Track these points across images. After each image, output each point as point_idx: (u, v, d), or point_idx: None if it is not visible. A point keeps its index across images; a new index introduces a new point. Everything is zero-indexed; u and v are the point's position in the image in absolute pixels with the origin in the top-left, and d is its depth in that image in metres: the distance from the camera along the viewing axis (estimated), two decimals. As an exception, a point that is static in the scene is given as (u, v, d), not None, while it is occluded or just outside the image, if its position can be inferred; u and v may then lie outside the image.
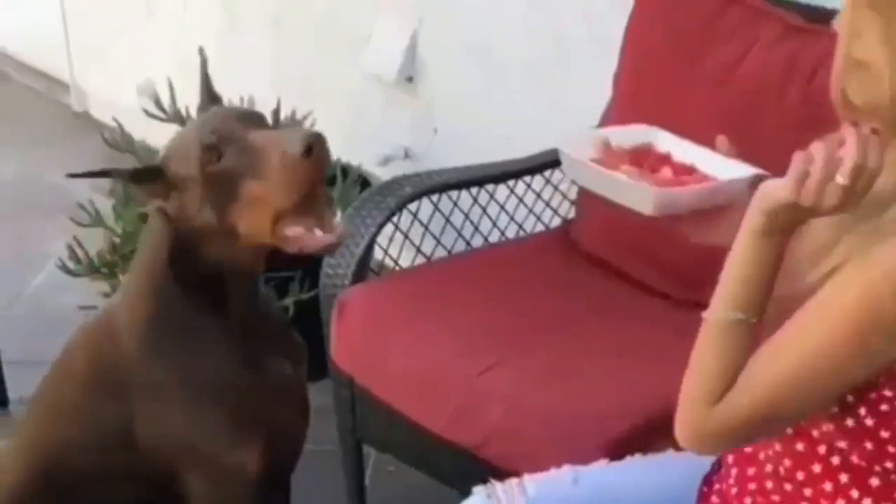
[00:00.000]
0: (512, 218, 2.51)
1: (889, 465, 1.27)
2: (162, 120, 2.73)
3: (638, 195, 1.37)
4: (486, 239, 2.50)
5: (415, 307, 2.12)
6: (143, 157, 2.70)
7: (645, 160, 1.43)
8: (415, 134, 3.07)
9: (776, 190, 1.21)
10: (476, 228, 2.47)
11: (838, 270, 1.20)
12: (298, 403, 1.88)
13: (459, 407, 1.94)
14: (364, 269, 2.21)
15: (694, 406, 1.28)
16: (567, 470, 1.57)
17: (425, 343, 2.04)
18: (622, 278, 2.23)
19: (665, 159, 1.45)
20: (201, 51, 1.82)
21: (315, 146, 1.60)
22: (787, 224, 1.23)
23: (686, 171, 1.43)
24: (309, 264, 2.33)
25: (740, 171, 1.40)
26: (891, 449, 1.26)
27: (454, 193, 2.38)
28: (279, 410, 1.81)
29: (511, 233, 2.51)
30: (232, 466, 1.75)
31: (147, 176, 1.72)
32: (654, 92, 2.23)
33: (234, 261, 1.72)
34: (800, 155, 1.19)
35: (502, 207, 2.48)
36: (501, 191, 2.43)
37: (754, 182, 1.37)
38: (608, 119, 2.31)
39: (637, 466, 1.60)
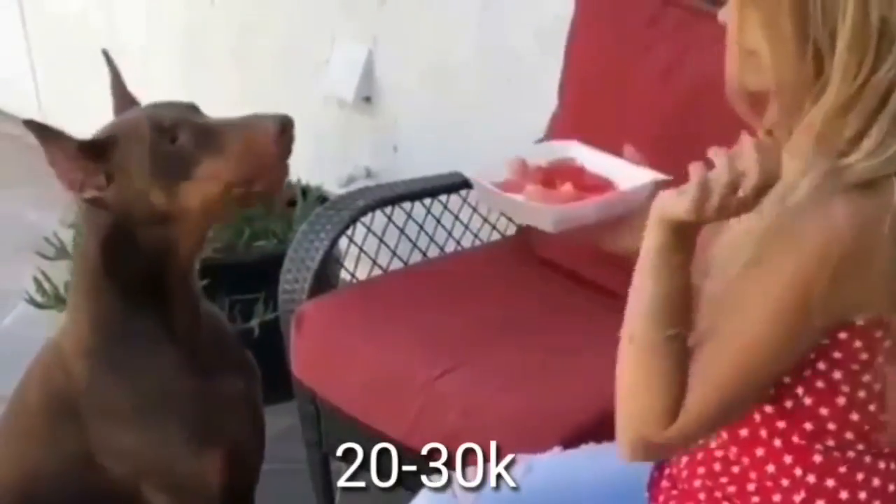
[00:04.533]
0: (467, 227, 2.53)
1: (830, 443, 1.29)
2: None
3: (538, 215, 1.41)
4: (441, 249, 2.52)
5: (371, 317, 2.14)
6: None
7: (558, 177, 1.46)
8: (375, 153, 3.11)
9: (676, 208, 1.20)
10: (431, 239, 2.49)
11: (758, 261, 1.21)
12: (253, 417, 1.87)
13: (419, 412, 1.96)
14: (321, 283, 2.23)
15: (645, 424, 1.27)
16: (520, 459, 1.58)
17: (383, 352, 2.06)
18: (576, 281, 2.26)
19: (577, 174, 1.47)
20: (105, 53, 1.81)
21: (287, 127, 1.70)
22: (693, 235, 1.24)
23: (597, 185, 1.47)
24: (273, 285, 2.35)
25: (641, 178, 1.44)
26: (831, 426, 1.28)
27: (407, 205, 2.40)
28: (234, 423, 1.80)
29: (466, 242, 2.54)
30: (194, 479, 1.75)
31: (95, 150, 1.65)
32: (596, 98, 2.27)
33: (172, 247, 1.70)
34: (698, 169, 1.18)
35: (457, 217, 2.51)
36: (455, 201, 2.45)
37: (656, 187, 1.41)
38: (554, 128, 2.35)
39: (590, 454, 1.61)
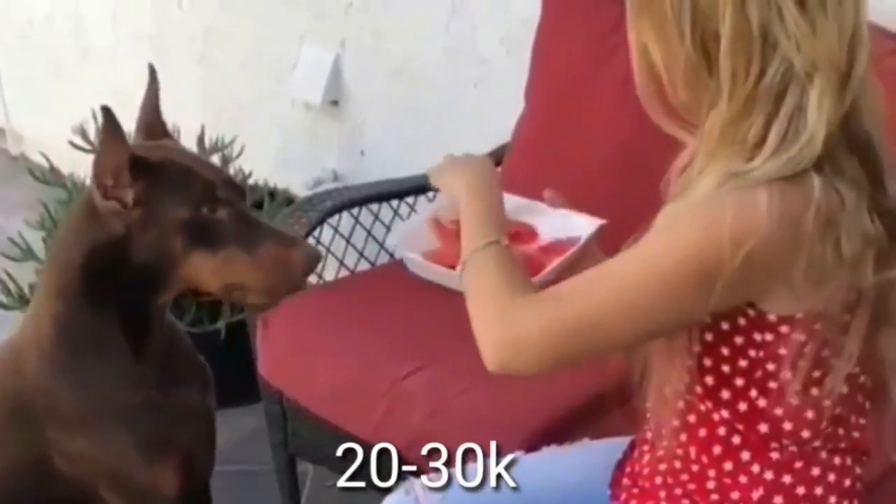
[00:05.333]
0: (434, 229, 2.54)
1: (786, 441, 1.31)
2: (89, 151, 2.76)
3: None
4: (409, 251, 2.53)
5: (338, 318, 2.14)
6: (75, 190, 2.75)
7: None
8: (342, 156, 3.12)
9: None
10: (399, 241, 2.50)
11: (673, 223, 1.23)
12: (205, 425, 1.87)
13: (385, 412, 1.97)
14: (288, 284, 2.23)
15: (496, 315, 1.29)
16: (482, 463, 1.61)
17: (350, 352, 2.07)
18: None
19: None
20: (151, 68, 1.75)
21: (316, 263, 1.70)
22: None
23: (520, 232, 1.49)
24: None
25: (578, 227, 1.46)
26: (787, 426, 1.29)
27: (375, 207, 2.41)
28: (189, 433, 1.80)
29: (434, 244, 2.54)
30: (147, 486, 1.74)
31: (141, 168, 1.61)
32: (561, 102, 2.29)
33: (162, 283, 1.69)
34: None
35: (424, 219, 2.52)
36: (422, 203, 2.45)
37: (598, 232, 1.46)
38: (519, 131, 2.37)
39: (551, 457, 1.63)
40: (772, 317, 1.24)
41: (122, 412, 1.72)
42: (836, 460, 1.33)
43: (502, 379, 1.93)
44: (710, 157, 1.23)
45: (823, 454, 1.32)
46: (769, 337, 1.25)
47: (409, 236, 1.53)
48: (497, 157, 2.44)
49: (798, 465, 1.31)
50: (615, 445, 1.54)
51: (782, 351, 1.25)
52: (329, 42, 3.07)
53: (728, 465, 1.33)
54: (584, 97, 2.26)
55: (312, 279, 2.45)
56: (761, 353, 1.26)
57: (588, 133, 2.23)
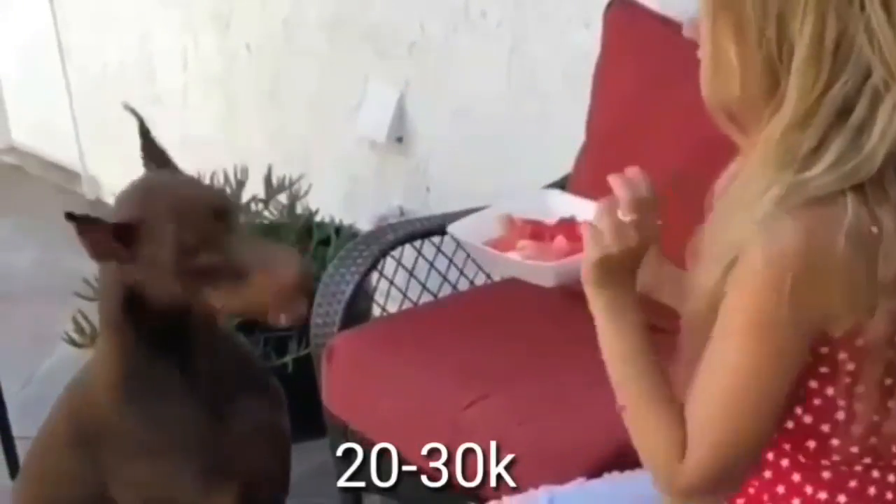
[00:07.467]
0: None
1: (836, 458, 1.29)
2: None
3: (538, 272, 1.45)
4: (471, 282, 2.54)
5: (401, 349, 2.17)
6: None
7: (546, 230, 1.49)
8: (408, 193, 3.15)
9: (587, 259, 1.30)
10: (461, 272, 2.52)
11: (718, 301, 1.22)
12: (275, 446, 1.90)
13: (447, 443, 1.97)
14: (353, 317, 2.25)
15: (665, 473, 1.30)
16: (543, 490, 1.62)
17: (413, 383, 2.09)
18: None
19: (567, 225, 1.49)
20: (127, 106, 1.83)
21: (305, 280, 1.72)
22: (620, 280, 1.31)
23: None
24: (306, 322, 2.38)
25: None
26: (834, 442, 1.28)
27: (437, 239, 2.42)
28: (253, 456, 1.83)
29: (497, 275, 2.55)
30: None
31: (128, 234, 1.69)
32: (625, 130, 2.29)
33: (192, 315, 1.75)
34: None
35: (486, 250, 2.53)
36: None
37: None
38: (582, 161, 2.37)
39: (611, 483, 1.63)
40: None
41: (181, 436, 1.77)
42: (891, 478, 1.31)
43: (565, 409, 1.96)
44: (762, 163, 1.22)
45: (875, 472, 1.30)
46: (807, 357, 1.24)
47: (472, 226, 1.54)
48: (559, 188, 2.45)
49: (852, 484, 1.30)
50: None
51: (823, 370, 1.24)
52: (393, 81, 3.11)
53: (780, 489, 1.32)
54: (642, 130, 2.26)
55: (376, 311, 2.49)
56: (803, 372, 1.25)
57: (647, 165, 2.22)
